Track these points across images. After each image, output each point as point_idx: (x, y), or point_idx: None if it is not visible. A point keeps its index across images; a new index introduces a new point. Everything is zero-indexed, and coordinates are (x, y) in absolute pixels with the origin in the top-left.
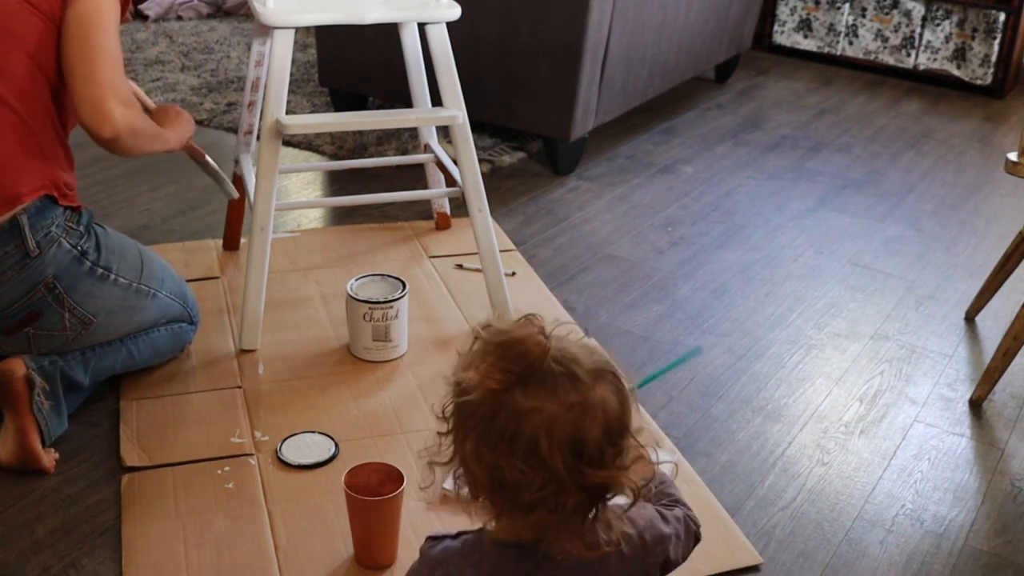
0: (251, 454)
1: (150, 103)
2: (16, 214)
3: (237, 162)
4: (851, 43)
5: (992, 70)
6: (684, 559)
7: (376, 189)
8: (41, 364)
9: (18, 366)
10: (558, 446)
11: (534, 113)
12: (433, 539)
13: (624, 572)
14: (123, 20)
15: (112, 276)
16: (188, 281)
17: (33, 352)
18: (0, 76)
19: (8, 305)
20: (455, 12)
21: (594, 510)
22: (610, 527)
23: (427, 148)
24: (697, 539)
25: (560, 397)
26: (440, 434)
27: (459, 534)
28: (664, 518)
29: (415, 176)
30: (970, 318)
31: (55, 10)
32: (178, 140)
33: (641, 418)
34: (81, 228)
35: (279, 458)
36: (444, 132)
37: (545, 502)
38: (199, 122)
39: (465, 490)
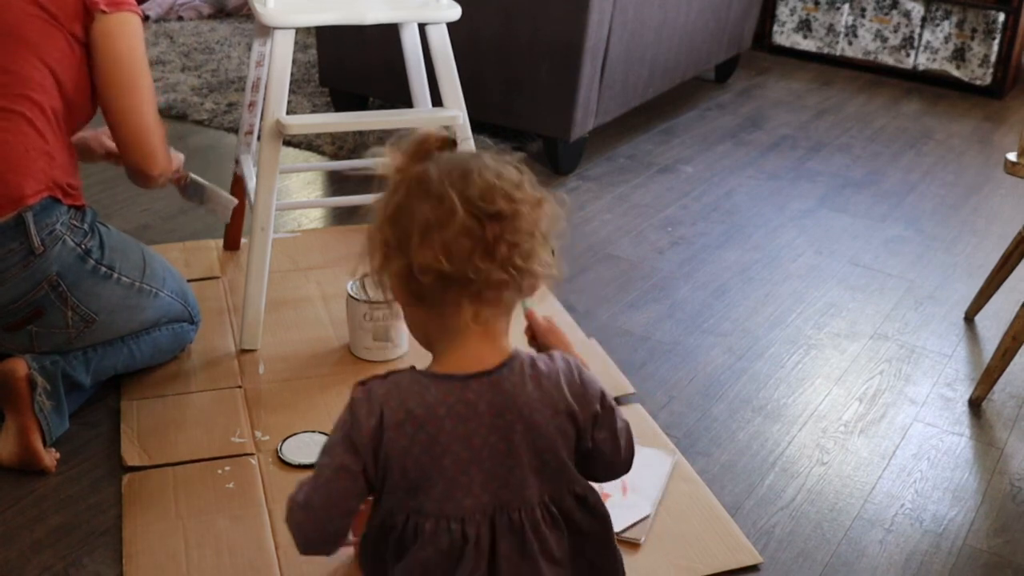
0: (252, 454)
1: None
2: (21, 212)
3: (238, 162)
4: (851, 43)
5: (991, 70)
6: (623, 459)
7: (376, 189)
8: (43, 364)
9: (20, 366)
10: (446, 177)
11: (534, 113)
12: (361, 383)
13: (546, 398)
14: None
15: (115, 275)
16: (189, 281)
17: (35, 350)
18: (11, 79)
19: (11, 302)
20: (455, 12)
21: (491, 252)
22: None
23: None
24: (631, 452)
25: (455, 156)
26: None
27: (388, 374)
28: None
29: None
30: (970, 318)
31: (72, 22)
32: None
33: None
34: (85, 227)
35: (280, 458)
36: None
37: (438, 227)
38: (200, 122)
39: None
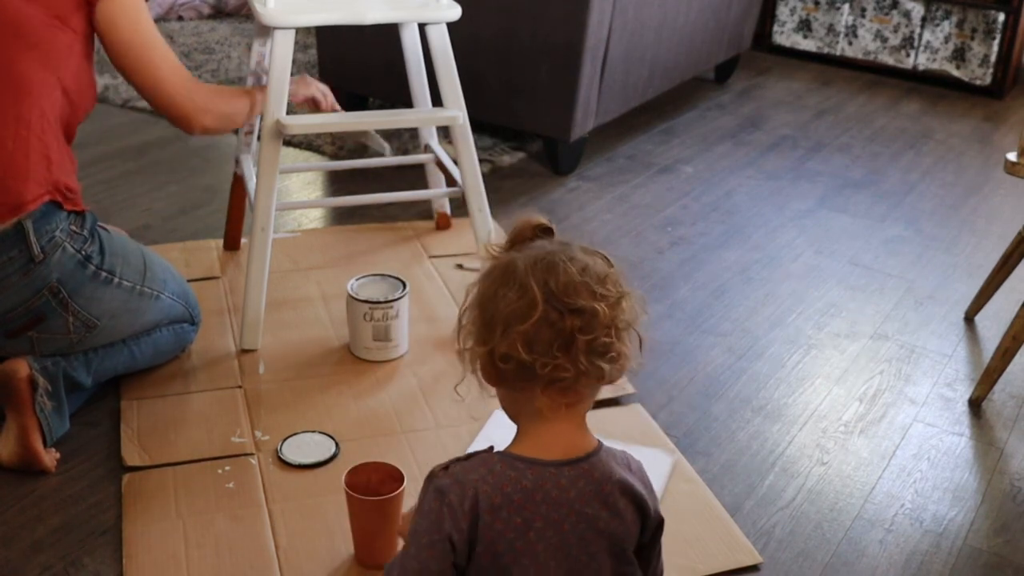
0: (252, 454)
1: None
2: (21, 219)
3: (238, 162)
4: (851, 43)
5: (991, 70)
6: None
7: (376, 189)
8: (44, 365)
9: (21, 367)
10: (532, 267)
11: (534, 113)
12: (443, 468)
13: (624, 487)
14: None
15: (116, 279)
16: (189, 281)
17: (36, 354)
18: (10, 82)
19: (12, 309)
20: (455, 12)
21: (569, 344)
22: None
23: (427, 148)
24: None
25: (546, 247)
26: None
27: (470, 456)
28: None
29: (415, 176)
30: (969, 318)
31: (71, 16)
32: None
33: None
34: (85, 232)
35: (280, 458)
36: (444, 132)
37: (520, 318)
38: None
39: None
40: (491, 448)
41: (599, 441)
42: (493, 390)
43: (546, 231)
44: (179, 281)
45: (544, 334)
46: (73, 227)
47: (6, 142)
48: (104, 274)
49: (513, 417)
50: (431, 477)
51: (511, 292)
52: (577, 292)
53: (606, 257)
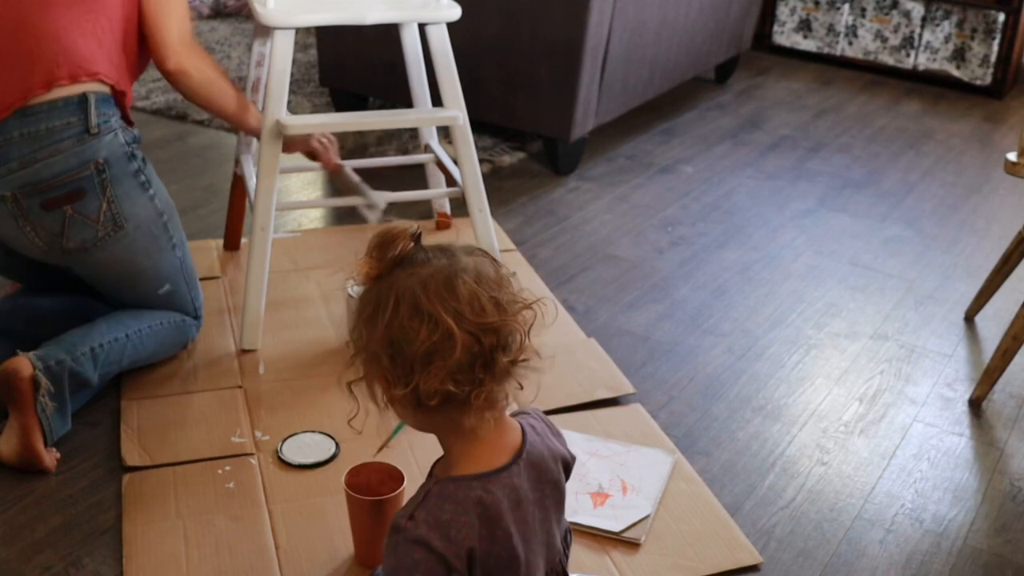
0: (252, 454)
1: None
2: (86, 91)
3: (238, 162)
4: (851, 43)
5: (991, 70)
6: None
7: (376, 189)
8: (47, 364)
9: (24, 366)
10: (435, 294)
11: (534, 113)
12: (408, 518)
13: (551, 453)
14: None
15: (151, 192)
16: None
17: (62, 241)
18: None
19: (59, 174)
20: (455, 12)
21: (490, 364)
22: (508, 375)
23: (427, 148)
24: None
25: (432, 263)
26: (351, 355)
27: (424, 496)
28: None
29: (415, 176)
30: (969, 318)
31: None
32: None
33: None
34: (134, 133)
35: (280, 458)
36: (444, 132)
37: (440, 354)
38: (200, 122)
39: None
40: (432, 477)
41: (518, 423)
42: (393, 416)
43: (415, 237)
44: (192, 264)
45: (465, 361)
46: (126, 125)
47: (84, 25)
48: (143, 179)
49: (434, 433)
50: (399, 530)
51: (422, 327)
52: (484, 309)
53: (485, 252)
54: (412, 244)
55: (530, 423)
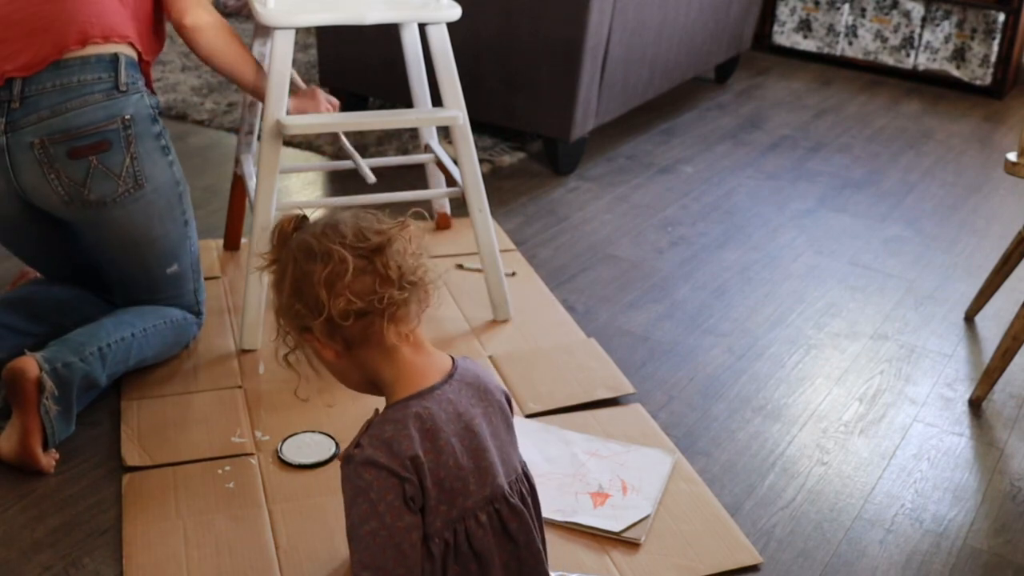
0: (252, 454)
1: (301, 84)
2: (118, 52)
3: (238, 162)
4: (851, 43)
5: (991, 70)
6: None
7: (376, 189)
8: (55, 367)
9: (31, 367)
10: (322, 235)
11: (534, 113)
12: (357, 446)
13: (489, 380)
14: None
15: (170, 158)
16: None
17: (83, 193)
18: None
19: (87, 124)
20: (455, 12)
21: (386, 278)
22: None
23: (427, 148)
24: None
25: (316, 223)
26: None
27: (367, 426)
28: None
29: (415, 176)
30: (969, 318)
31: None
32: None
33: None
34: (157, 99)
35: (280, 458)
36: (444, 132)
37: (338, 276)
38: (200, 122)
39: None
40: (376, 411)
41: (448, 355)
42: (331, 378)
43: (302, 219)
44: (199, 252)
45: (365, 281)
46: (149, 90)
47: None
48: (164, 143)
49: (369, 384)
50: (348, 460)
51: (317, 264)
52: (366, 235)
53: (368, 210)
54: (300, 224)
55: (462, 357)
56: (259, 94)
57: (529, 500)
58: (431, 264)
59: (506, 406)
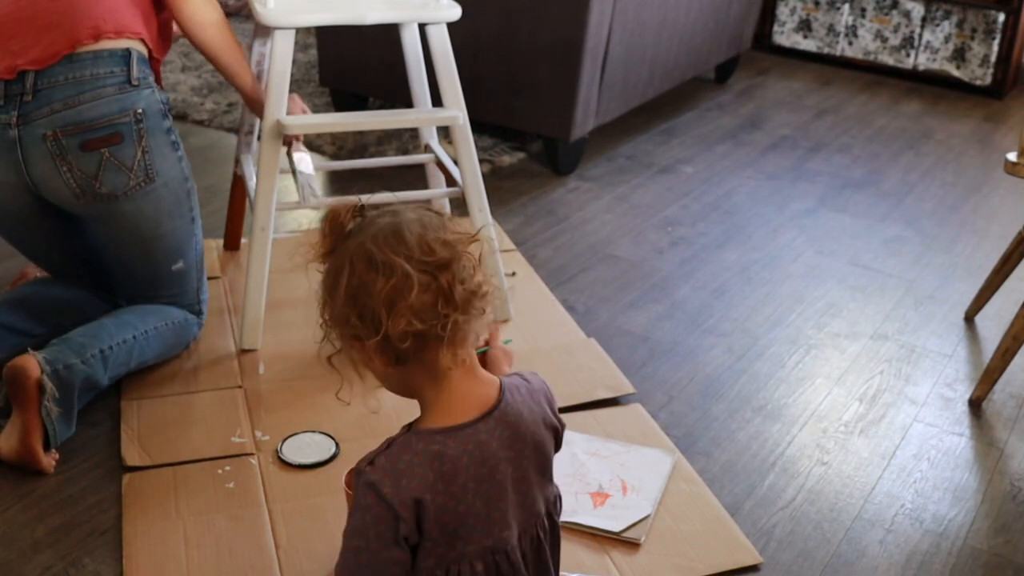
0: (252, 454)
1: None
2: (130, 47)
3: (238, 162)
4: (851, 43)
5: (991, 70)
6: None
7: (376, 189)
8: (56, 368)
9: (32, 367)
10: (385, 244)
11: (534, 113)
12: (369, 463)
13: (534, 415)
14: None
15: (180, 153)
16: None
17: (95, 185)
18: None
19: (100, 117)
20: (455, 12)
21: (451, 297)
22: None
23: (427, 148)
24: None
25: (377, 223)
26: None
27: (389, 444)
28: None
29: (415, 176)
30: (969, 318)
31: None
32: (253, 88)
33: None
34: (167, 96)
35: (280, 458)
36: (444, 132)
37: (401, 294)
38: (200, 122)
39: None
40: (407, 427)
41: (499, 380)
42: (375, 383)
43: (359, 210)
44: (203, 252)
45: (427, 299)
46: (159, 86)
47: None
48: (174, 138)
49: (410, 394)
50: (359, 473)
51: (379, 277)
52: (434, 249)
53: (434, 209)
54: (358, 217)
55: (515, 384)
56: (255, 102)
57: (547, 543)
58: (494, 282)
59: (548, 443)
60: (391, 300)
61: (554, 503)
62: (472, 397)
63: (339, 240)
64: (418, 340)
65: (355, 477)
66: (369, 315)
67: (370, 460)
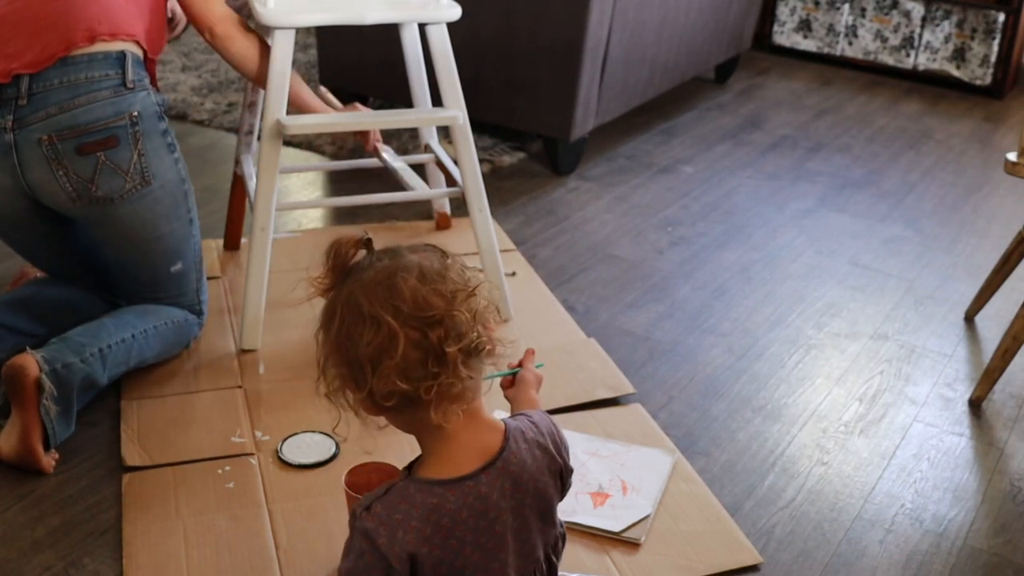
0: (252, 454)
1: (335, 102)
2: (125, 50)
3: (238, 162)
4: (851, 43)
5: (991, 70)
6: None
7: (376, 189)
8: (55, 367)
9: (31, 366)
10: (375, 296)
11: (534, 113)
12: (366, 509)
13: (538, 462)
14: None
15: (176, 155)
16: None
17: (92, 188)
18: None
19: (95, 120)
20: (455, 12)
21: (441, 356)
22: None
23: (427, 148)
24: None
25: (375, 266)
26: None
27: (388, 490)
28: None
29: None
30: (969, 318)
31: None
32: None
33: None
34: (163, 97)
35: (280, 458)
36: (444, 132)
37: (387, 353)
38: (200, 122)
39: (349, 396)
40: (405, 474)
41: (503, 424)
42: (380, 420)
43: (366, 243)
44: (202, 252)
45: (414, 357)
46: (154, 88)
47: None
48: (170, 140)
49: (412, 434)
50: (355, 517)
51: (365, 330)
52: (428, 303)
53: (434, 247)
54: (362, 250)
55: (520, 428)
56: (296, 99)
57: None
58: (499, 332)
59: (551, 490)
60: (376, 357)
61: (555, 545)
62: (475, 444)
63: (340, 275)
64: (406, 399)
65: (351, 520)
66: (356, 367)
67: (367, 505)
